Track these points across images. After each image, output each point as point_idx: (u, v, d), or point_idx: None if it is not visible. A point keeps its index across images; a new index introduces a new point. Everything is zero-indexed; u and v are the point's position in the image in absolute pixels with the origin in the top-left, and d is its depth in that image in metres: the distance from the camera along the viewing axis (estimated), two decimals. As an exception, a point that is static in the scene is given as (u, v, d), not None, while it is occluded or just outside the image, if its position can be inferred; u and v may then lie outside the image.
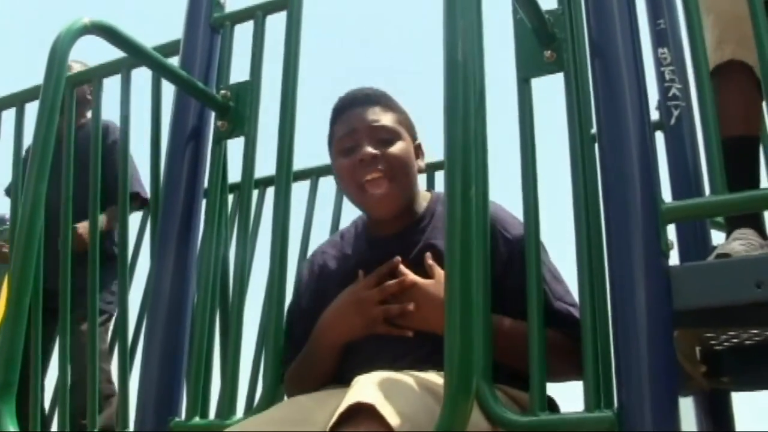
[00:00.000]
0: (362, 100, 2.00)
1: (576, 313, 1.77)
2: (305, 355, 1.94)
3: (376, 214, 1.98)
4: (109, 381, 3.51)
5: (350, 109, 1.99)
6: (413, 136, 2.02)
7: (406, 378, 1.57)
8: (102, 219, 3.19)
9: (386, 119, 1.96)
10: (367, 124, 1.95)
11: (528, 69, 1.69)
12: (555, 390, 1.63)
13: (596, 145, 1.58)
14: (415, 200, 1.99)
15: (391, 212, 1.94)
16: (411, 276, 1.81)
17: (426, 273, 1.83)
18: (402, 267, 1.83)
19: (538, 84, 1.71)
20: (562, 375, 1.70)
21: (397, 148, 1.93)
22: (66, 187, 2.54)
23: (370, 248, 1.99)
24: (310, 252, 3.05)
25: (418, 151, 2.03)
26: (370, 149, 1.90)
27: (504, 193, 1.98)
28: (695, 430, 2.39)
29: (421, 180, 2.11)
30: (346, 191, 2.03)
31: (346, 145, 1.95)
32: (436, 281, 1.80)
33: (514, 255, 1.80)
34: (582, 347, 1.48)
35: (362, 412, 1.42)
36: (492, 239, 1.77)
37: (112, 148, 3.31)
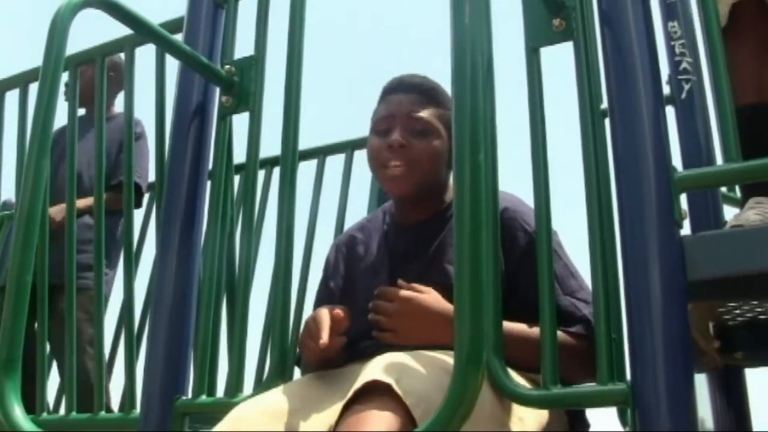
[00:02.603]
0: (408, 87, 2.00)
1: (585, 310, 1.75)
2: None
3: (390, 191, 2.01)
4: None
5: (395, 93, 2.01)
6: (450, 135, 2.00)
7: (422, 357, 1.55)
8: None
9: (425, 112, 1.96)
10: (405, 112, 1.96)
11: (536, 38, 1.65)
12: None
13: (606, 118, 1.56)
14: (441, 193, 2.00)
15: (403, 192, 1.96)
16: (403, 292, 1.76)
17: (441, 271, 1.84)
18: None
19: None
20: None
21: (427, 143, 1.94)
22: (70, 171, 2.52)
23: (396, 235, 2.01)
24: (317, 232, 3.05)
25: None
26: (398, 137, 1.92)
27: (513, 171, 1.96)
28: (708, 406, 2.36)
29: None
30: (371, 168, 2.03)
31: (381, 126, 1.98)
32: (431, 296, 1.76)
33: (532, 246, 1.78)
34: (594, 320, 1.45)
35: (378, 390, 1.41)
36: (513, 231, 1.77)
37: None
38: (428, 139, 1.94)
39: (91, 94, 2.86)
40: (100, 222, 2.47)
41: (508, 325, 1.59)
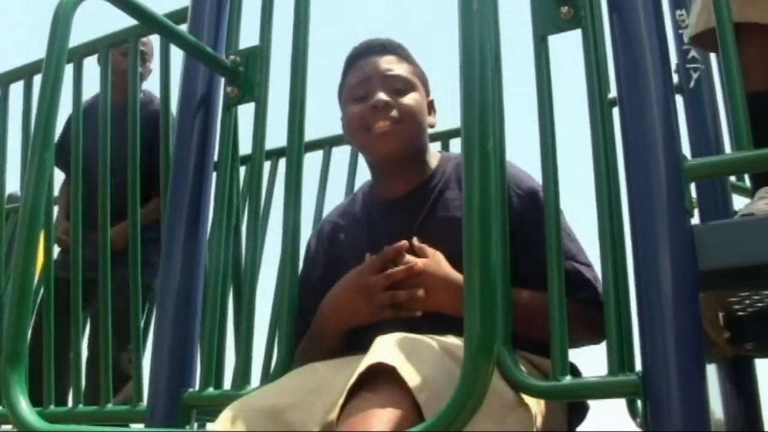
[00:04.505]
0: (377, 49, 1.98)
1: (587, 273, 1.74)
2: (311, 335, 1.91)
3: (379, 151, 1.94)
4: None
5: (365, 58, 1.98)
6: (427, 91, 2.00)
7: (426, 341, 1.54)
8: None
9: (401, 69, 1.95)
10: (381, 72, 1.94)
11: (544, 26, 1.63)
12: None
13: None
14: (424, 156, 1.97)
15: (394, 149, 1.90)
16: (418, 263, 1.74)
17: (434, 242, 1.79)
18: (405, 248, 1.76)
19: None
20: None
21: (410, 98, 1.92)
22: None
23: (379, 214, 1.97)
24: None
25: (431, 107, 2.01)
26: (383, 95, 1.89)
27: (521, 157, 1.95)
28: (718, 397, 2.35)
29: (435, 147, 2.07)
30: (353, 137, 2.00)
31: (359, 93, 1.94)
32: (434, 261, 1.75)
33: (526, 209, 1.79)
34: (604, 310, 1.44)
35: (382, 373, 1.40)
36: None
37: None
38: (409, 94, 1.93)
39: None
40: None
41: (516, 295, 1.58)
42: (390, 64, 1.95)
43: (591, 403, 1.80)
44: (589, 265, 1.78)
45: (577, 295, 1.68)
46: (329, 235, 2.05)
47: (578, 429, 1.81)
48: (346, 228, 2.03)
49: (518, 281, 1.64)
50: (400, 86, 1.92)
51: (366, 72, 1.95)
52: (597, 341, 1.71)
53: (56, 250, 3.69)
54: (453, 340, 1.57)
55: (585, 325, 1.66)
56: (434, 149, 2.05)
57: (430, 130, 2.00)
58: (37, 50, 2.65)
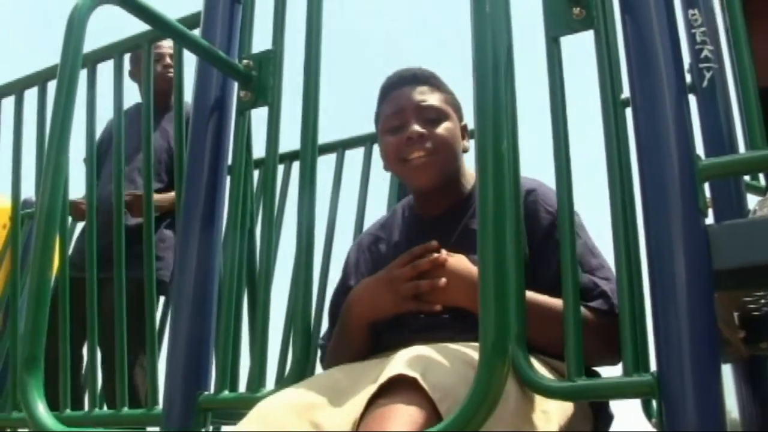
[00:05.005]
0: (410, 80, 2.01)
1: (605, 286, 1.74)
2: (338, 330, 1.95)
3: (416, 183, 1.99)
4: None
5: (398, 89, 2.01)
6: (460, 117, 2.03)
7: (447, 351, 1.55)
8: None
9: (433, 99, 1.98)
10: (414, 103, 1.97)
11: (556, 27, 1.64)
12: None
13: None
14: (460, 179, 2.00)
15: (429, 182, 1.95)
16: (443, 254, 1.79)
17: (470, 259, 1.81)
18: (435, 247, 1.82)
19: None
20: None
21: (443, 128, 1.95)
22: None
23: (417, 229, 2.01)
24: (336, 225, 3.03)
25: (464, 132, 2.04)
26: (417, 127, 1.92)
27: (534, 161, 1.95)
28: (733, 397, 2.34)
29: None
30: (391, 168, 2.04)
31: (393, 123, 1.98)
32: (457, 258, 1.80)
33: (554, 227, 1.79)
34: (619, 311, 1.44)
35: (403, 384, 1.40)
36: (535, 213, 1.79)
37: None
38: (443, 124, 1.95)
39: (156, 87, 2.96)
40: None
41: (529, 297, 1.59)
42: (423, 95, 1.98)
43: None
44: (608, 280, 1.78)
45: (590, 303, 1.69)
46: (369, 247, 2.11)
47: None
48: (385, 241, 2.08)
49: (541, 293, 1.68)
50: (433, 116, 1.96)
51: (400, 104, 1.98)
52: (612, 358, 1.69)
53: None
54: (473, 351, 1.58)
55: (597, 337, 1.63)
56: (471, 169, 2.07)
57: None
58: (49, 57, 2.68)
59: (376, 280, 1.88)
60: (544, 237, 1.82)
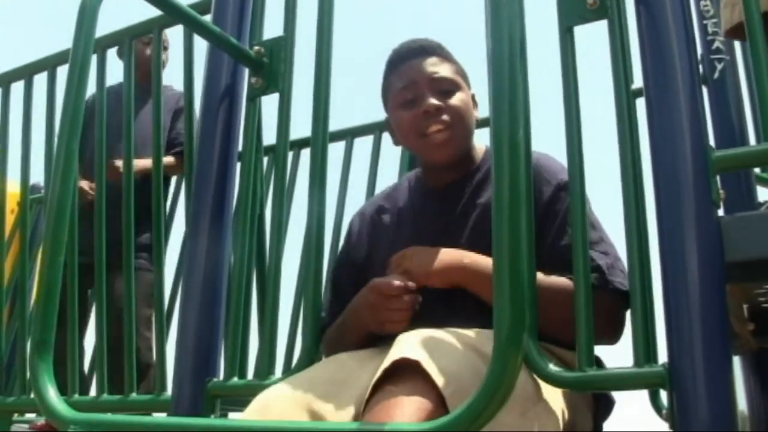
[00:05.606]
0: (418, 52, 1.97)
1: (601, 260, 1.72)
2: (342, 324, 1.93)
3: (435, 159, 1.95)
4: (150, 349, 3.48)
5: (407, 61, 1.97)
6: (469, 86, 2.00)
7: (450, 336, 1.54)
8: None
9: (445, 70, 1.95)
10: (427, 75, 1.93)
11: (570, 17, 1.63)
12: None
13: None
14: (471, 151, 1.98)
15: (449, 157, 1.93)
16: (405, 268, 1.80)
17: (471, 229, 1.84)
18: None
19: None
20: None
21: (458, 98, 1.92)
22: (99, 144, 2.54)
23: (423, 199, 2.00)
24: (345, 213, 3.04)
25: (473, 101, 2.01)
26: (434, 101, 1.89)
27: (546, 151, 1.94)
28: (742, 389, 2.34)
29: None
30: (407, 142, 2.02)
31: (406, 97, 1.94)
32: (412, 251, 1.83)
33: (554, 199, 1.80)
34: (630, 302, 1.44)
35: (407, 368, 1.40)
36: (537, 185, 1.78)
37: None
38: (457, 95, 1.93)
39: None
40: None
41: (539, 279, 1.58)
42: (434, 66, 1.94)
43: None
44: (606, 253, 1.76)
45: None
46: (372, 217, 2.08)
47: (604, 425, 1.81)
48: (389, 211, 2.06)
49: (537, 269, 1.64)
50: (446, 87, 1.92)
51: (411, 76, 1.94)
52: (610, 336, 1.69)
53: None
54: (476, 335, 1.58)
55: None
56: (479, 142, 2.05)
57: None
58: (56, 43, 2.67)
59: (362, 302, 1.84)
60: (543, 207, 1.79)
